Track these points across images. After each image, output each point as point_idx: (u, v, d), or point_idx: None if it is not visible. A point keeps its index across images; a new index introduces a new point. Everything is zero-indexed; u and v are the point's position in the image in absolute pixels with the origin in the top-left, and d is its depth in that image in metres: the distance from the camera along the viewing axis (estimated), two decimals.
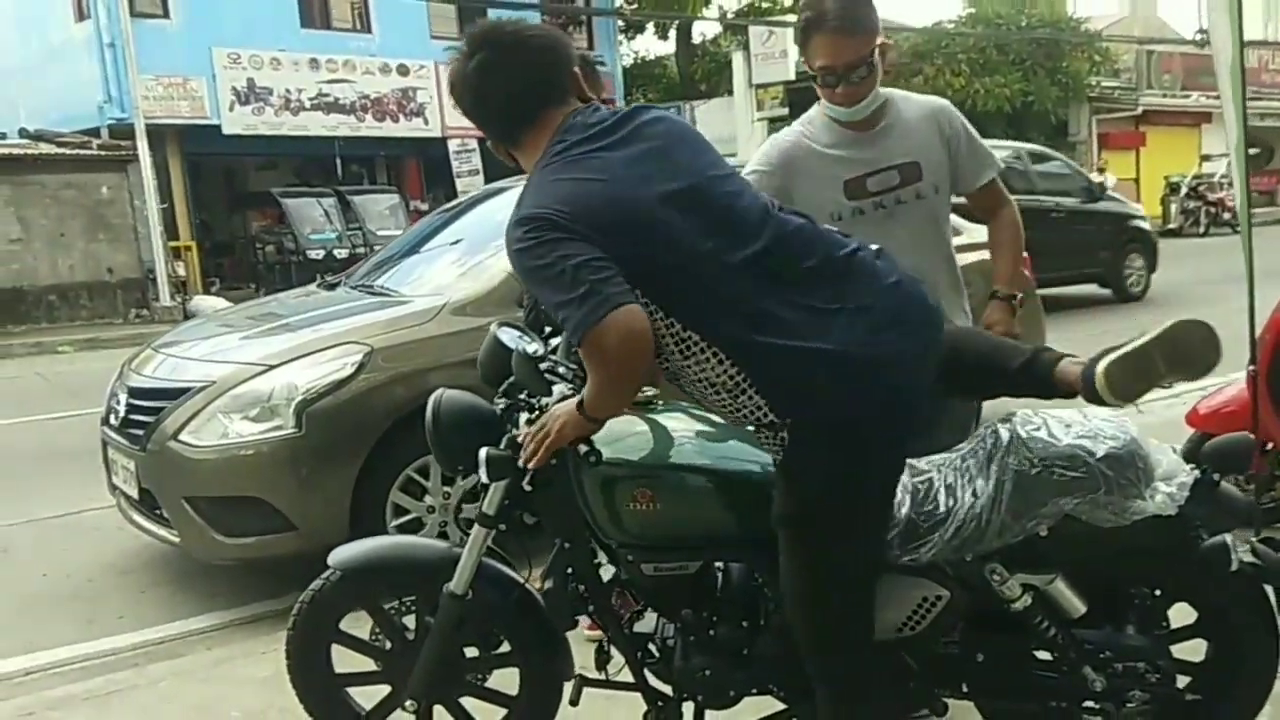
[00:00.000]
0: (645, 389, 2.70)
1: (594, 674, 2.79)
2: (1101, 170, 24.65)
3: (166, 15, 20.20)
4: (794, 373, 2.21)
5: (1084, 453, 2.40)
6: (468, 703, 2.96)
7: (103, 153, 18.22)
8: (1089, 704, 2.63)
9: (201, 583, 4.97)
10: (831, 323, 2.21)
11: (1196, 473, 2.46)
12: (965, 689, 2.67)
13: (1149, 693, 2.56)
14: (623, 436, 2.55)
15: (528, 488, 2.55)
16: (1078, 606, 2.54)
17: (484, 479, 2.56)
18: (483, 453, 2.52)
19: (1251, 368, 4.16)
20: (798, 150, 3.19)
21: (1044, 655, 2.61)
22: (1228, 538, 2.52)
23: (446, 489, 4.68)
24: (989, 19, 29.20)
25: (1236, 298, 4.02)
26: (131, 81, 17.87)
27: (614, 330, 2.06)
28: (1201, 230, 26.22)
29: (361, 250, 19.25)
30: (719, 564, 2.70)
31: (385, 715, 2.98)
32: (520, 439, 2.49)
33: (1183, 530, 2.43)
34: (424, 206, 23.35)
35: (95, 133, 19.21)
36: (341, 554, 2.92)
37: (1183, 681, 2.69)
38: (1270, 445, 4.37)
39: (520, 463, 2.44)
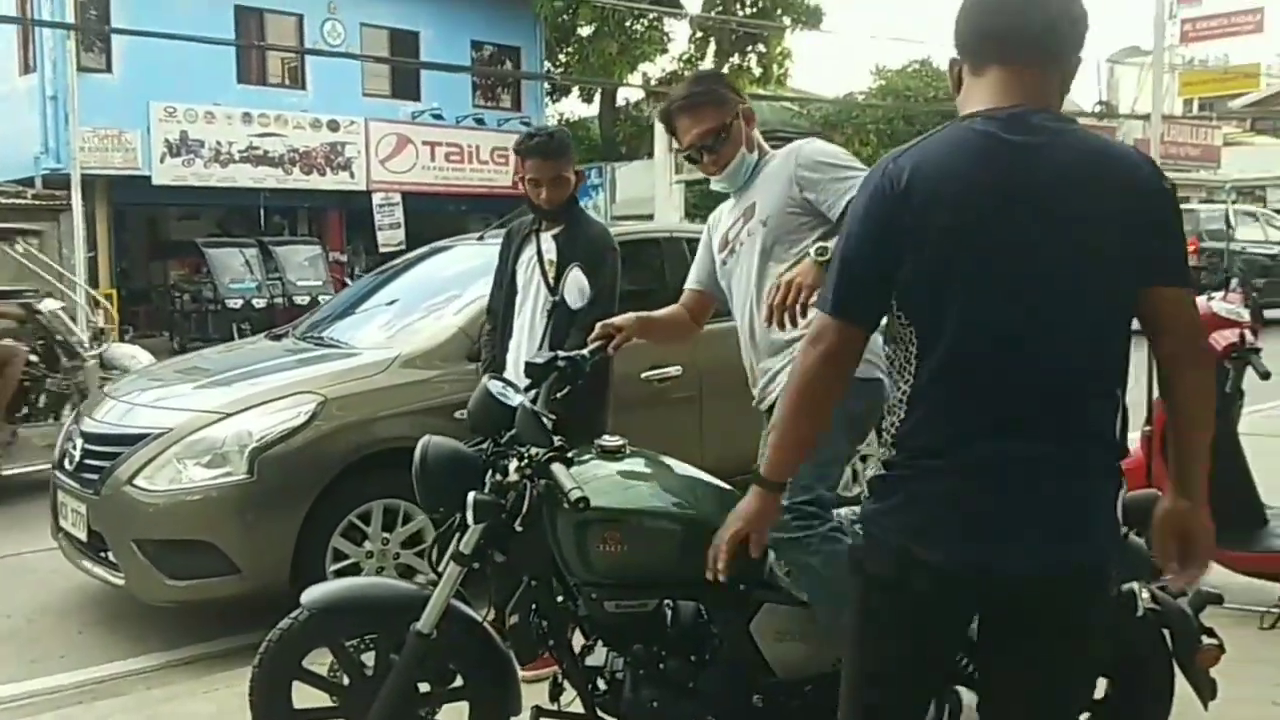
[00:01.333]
0: (614, 437, 2.92)
1: (549, 705, 2.96)
2: None
3: (109, 70, 20.42)
4: (906, 484, 2.04)
5: None
6: None
7: (36, 202, 18.07)
8: None
9: (135, 625, 5.03)
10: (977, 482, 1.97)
11: None
12: None
13: None
14: (593, 480, 2.73)
15: (519, 528, 2.72)
16: None
17: (470, 521, 2.73)
18: (470, 497, 2.70)
19: (1147, 428, 4.51)
20: (718, 215, 3.42)
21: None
22: (1135, 585, 2.82)
23: (385, 535, 4.81)
24: (898, 92, 30.36)
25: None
26: (71, 133, 17.86)
27: (830, 333, 2.03)
28: None
29: (280, 300, 19.30)
30: (669, 602, 2.89)
31: None
32: (509, 479, 2.70)
33: None
34: (343, 258, 23.47)
35: (30, 182, 19.08)
36: (313, 594, 3.03)
37: (1084, 717, 2.95)
38: None
39: (713, 575, 2.38)
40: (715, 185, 3.30)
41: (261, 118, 21.94)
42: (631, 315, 3.31)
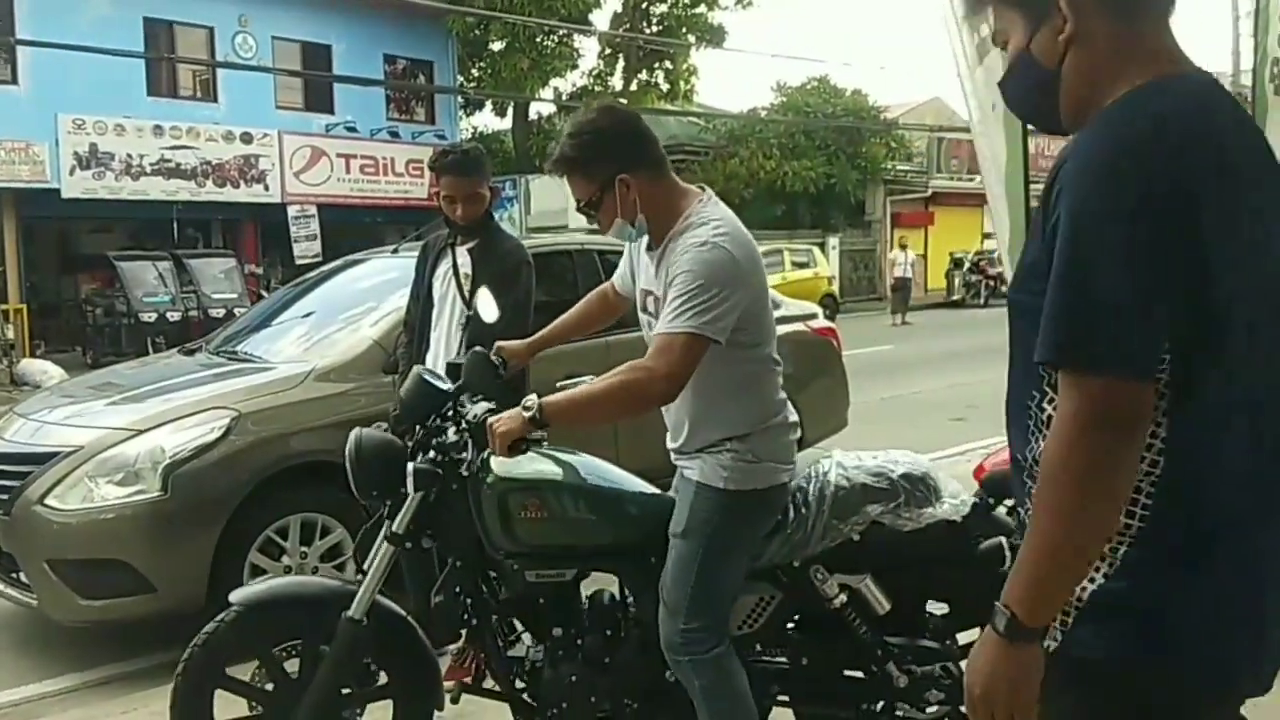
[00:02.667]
0: (537, 432, 3.01)
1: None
2: (903, 247, 26.64)
3: (15, 82, 20.12)
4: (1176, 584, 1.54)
5: (887, 470, 2.98)
6: None
7: None
8: (895, 710, 3.07)
9: (48, 647, 4.99)
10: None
11: (976, 498, 3.05)
12: (788, 696, 3.12)
13: (944, 693, 3.03)
14: (520, 463, 2.92)
15: (465, 473, 2.89)
16: (884, 604, 3.02)
17: (410, 490, 2.87)
18: (410, 465, 2.86)
19: None
20: (638, 249, 3.20)
21: (855, 660, 3.05)
22: (1002, 540, 3.02)
23: (304, 549, 4.82)
24: (798, 108, 31.48)
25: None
26: None
27: (1131, 404, 1.45)
28: (982, 301, 28.74)
29: (195, 313, 19.15)
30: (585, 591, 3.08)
31: None
32: (449, 440, 2.88)
33: (965, 535, 2.98)
34: (259, 270, 23.26)
35: None
36: (242, 593, 3.14)
37: None
38: None
39: None
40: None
41: (173, 130, 21.71)
42: (520, 344, 3.33)
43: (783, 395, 2.95)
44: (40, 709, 4.36)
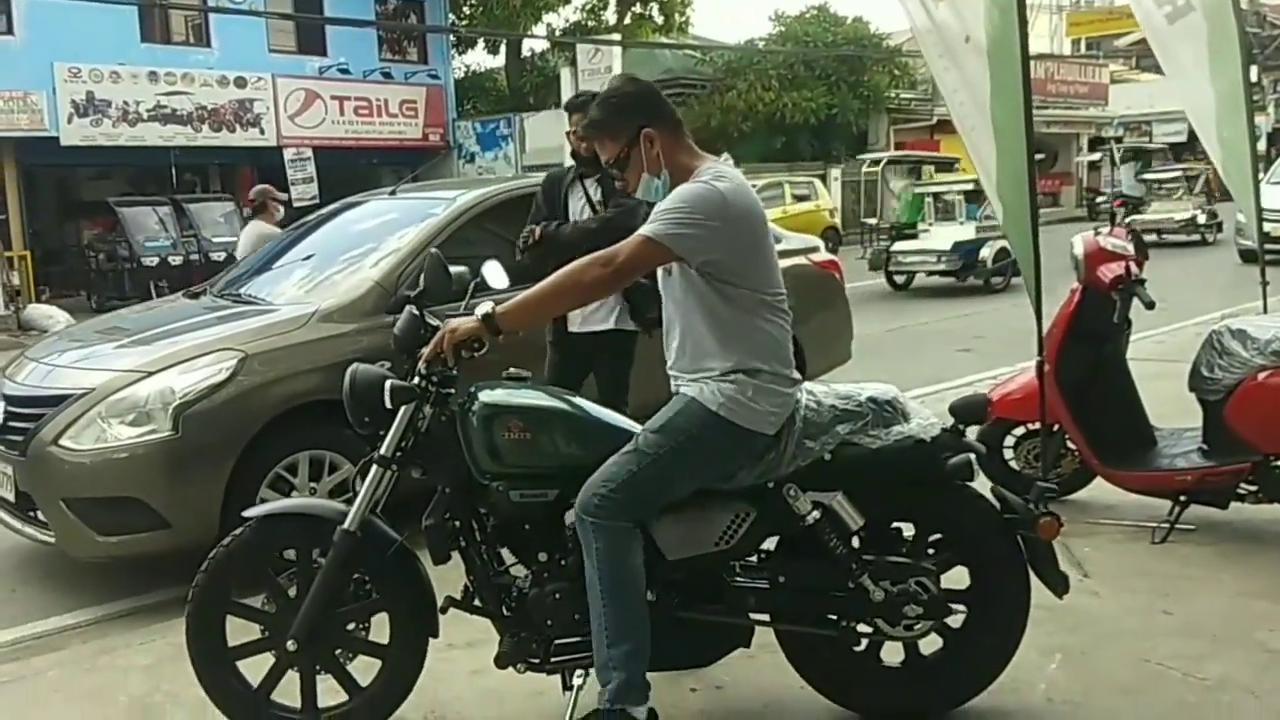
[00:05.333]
0: (522, 370, 3.28)
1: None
2: None
3: (10, 32, 20.19)
4: None
5: (854, 394, 3.17)
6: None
7: None
8: (872, 628, 3.21)
9: (68, 581, 5.13)
10: None
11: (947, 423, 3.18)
12: (770, 617, 3.26)
13: (922, 608, 3.16)
14: (499, 388, 3.19)
15: (449, 378, 3.07)
16: (856, 519, 3.15)
17: (388, 404, 3.05)
18: (387, 384, 3.04)
19: (1039, 358, 4.72)
20: None
21: (832, 576, 3.17)
22: (970, 456, 3.17)
23: (313, 485, 4.95)
24: (797, 37, 30.72)
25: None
26: None
27: None
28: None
29: (196, 257, 19.30)
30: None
31: (273, 684, 3.28)
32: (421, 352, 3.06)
33: (934, 454, 3.12)
34: None
35: None
36: (254, 510, 3.35)
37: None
38: (1056, 427, 4.98)
39: None
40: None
41: (168, 76, 21.78)
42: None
43: (788, 348, 3.10)
44: (62, 641, 4.49)
